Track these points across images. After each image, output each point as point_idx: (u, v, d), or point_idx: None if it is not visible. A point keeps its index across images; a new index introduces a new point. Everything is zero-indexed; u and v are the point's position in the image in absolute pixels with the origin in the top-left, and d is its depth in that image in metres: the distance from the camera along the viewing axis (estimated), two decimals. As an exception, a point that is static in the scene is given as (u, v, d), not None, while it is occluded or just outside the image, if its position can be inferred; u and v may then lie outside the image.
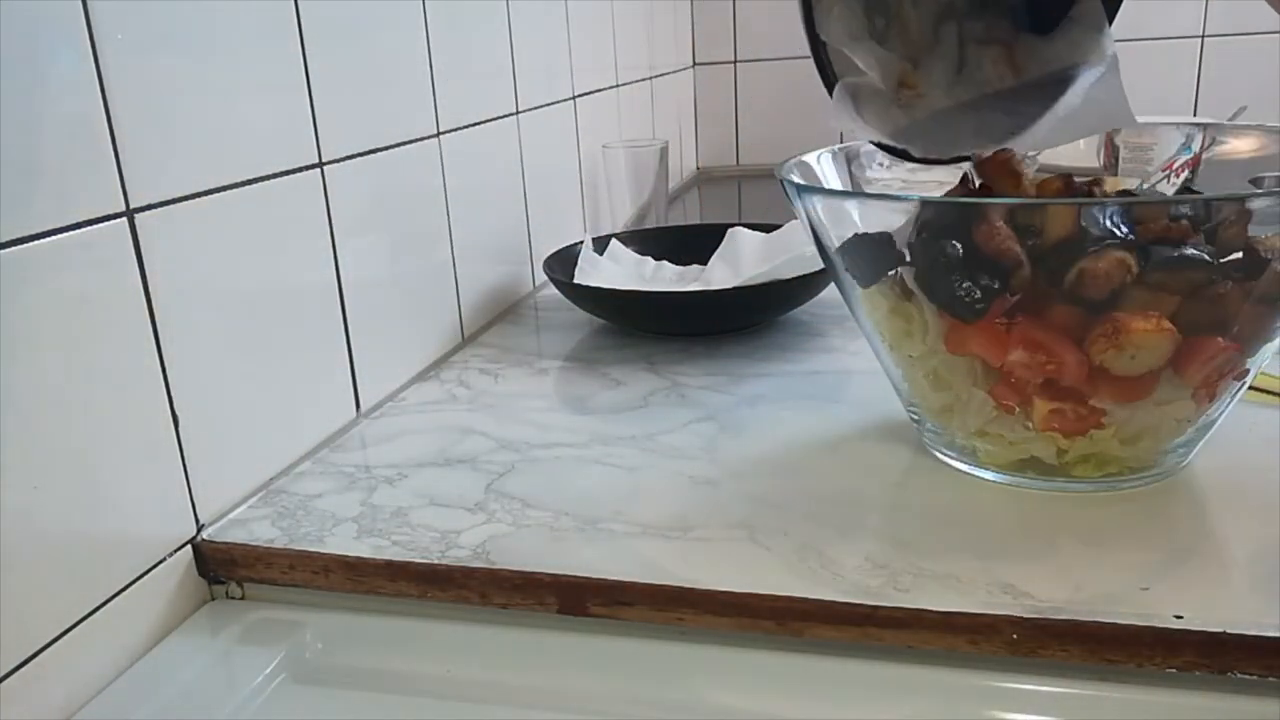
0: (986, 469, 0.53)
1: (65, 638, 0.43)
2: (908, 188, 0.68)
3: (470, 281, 0.83)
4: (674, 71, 1.59)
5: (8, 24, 0.40)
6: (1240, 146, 0.62)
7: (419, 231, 0.75)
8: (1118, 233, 0.45)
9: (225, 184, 0.53)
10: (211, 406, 0.52)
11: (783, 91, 1.68)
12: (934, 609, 0.42)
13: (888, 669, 0.43)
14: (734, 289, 0.78)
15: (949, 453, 0.55)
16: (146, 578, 0.48)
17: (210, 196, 0.52)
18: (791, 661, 0.44)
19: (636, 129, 1.36)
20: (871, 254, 0.51)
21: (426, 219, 0.77)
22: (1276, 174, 0.58)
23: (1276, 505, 0.49)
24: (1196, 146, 0.63)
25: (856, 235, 0.52)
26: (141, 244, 0.47)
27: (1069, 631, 0.41)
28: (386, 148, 0.70)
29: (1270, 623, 0.40)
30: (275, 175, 0.57)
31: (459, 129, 0.81)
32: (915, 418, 0.57)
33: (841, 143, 0.63)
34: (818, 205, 0.53)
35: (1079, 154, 0.68)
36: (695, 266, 0.92)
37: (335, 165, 0.63)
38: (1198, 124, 0.65)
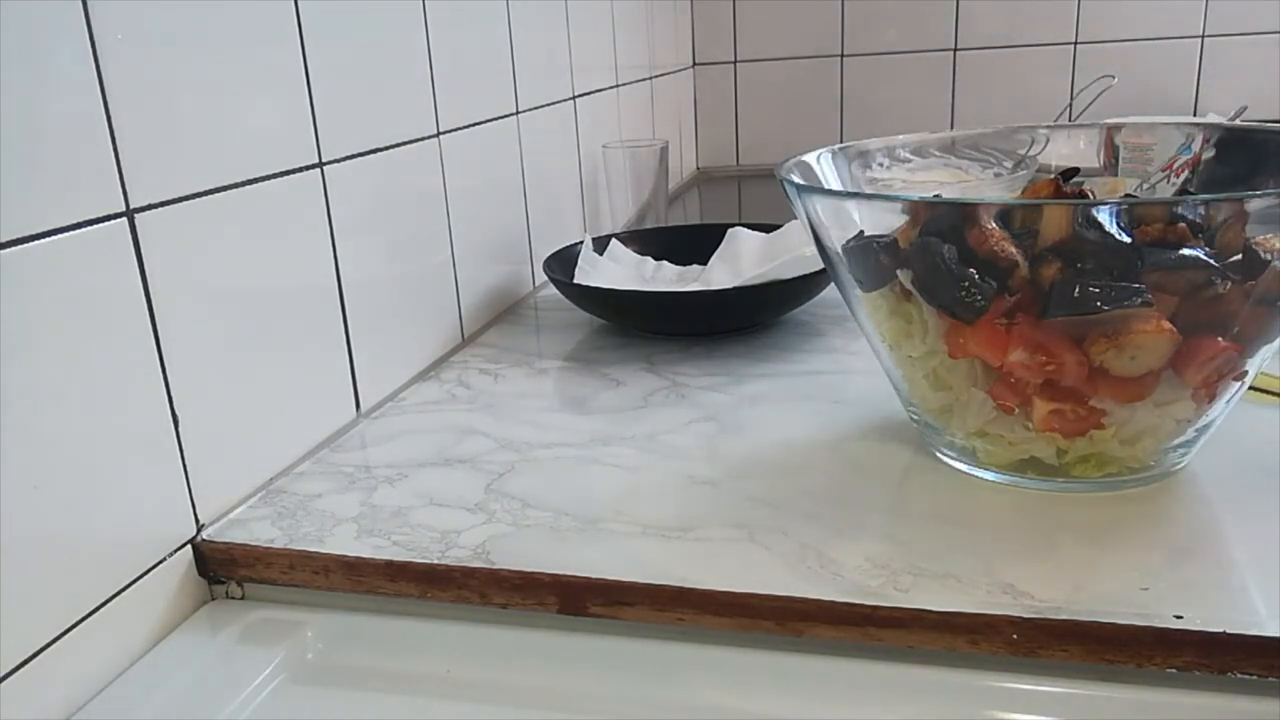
0: (986, 469, 0.53)
1: (65, 638, 0.43)
2: (908, 188, 0.69)
3: (470, 281, 0.83)
4: (674, 71, 1.59)
5: (8, 24, 0.40)
6: (1240, 146, 0.62)
7: (419, 231, 0.75)
8: (1118, 236, 0.45)
9: (225, 184, 0.53)
10: (212, 406, 0.52)
11: (783, 91, 1.68)
12: (934, 609, 0.42)
13: (888, 669, 0.43)
14: (734, 289, 0.78)
15: (949, 453, 0.55)
16: (146, 578, 0.48)
17: (210, 196, 0.52)
18: (791, 661, 0.44)
19: (636, 129, 1.36)
20: (875, 260, 0.51)
21: (426, 219, 0.77)
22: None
23: (1276, 505, 0.49)
24: (1196, 146, 0.63)
25: (860, 240, 0.52)
26: (141, 244, 0.47)
27: (1069, 631, 0.41)
28: (386, 148, 0.70)
29: (1270, 623, 0.40)
30: (275, 175, 0.57)
31: (459, 129, 0.81)
32: (915, 418, 0.57)
33: (842, 142, 0.63)
34: (818, 205, 0.53)
35: (1079, 154, 0.68)
36: (695, 266, 0.92)
37: (335, 165, 0.63)
38: (1198, 124, 0.65)
